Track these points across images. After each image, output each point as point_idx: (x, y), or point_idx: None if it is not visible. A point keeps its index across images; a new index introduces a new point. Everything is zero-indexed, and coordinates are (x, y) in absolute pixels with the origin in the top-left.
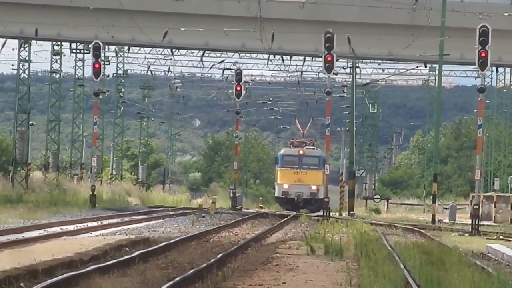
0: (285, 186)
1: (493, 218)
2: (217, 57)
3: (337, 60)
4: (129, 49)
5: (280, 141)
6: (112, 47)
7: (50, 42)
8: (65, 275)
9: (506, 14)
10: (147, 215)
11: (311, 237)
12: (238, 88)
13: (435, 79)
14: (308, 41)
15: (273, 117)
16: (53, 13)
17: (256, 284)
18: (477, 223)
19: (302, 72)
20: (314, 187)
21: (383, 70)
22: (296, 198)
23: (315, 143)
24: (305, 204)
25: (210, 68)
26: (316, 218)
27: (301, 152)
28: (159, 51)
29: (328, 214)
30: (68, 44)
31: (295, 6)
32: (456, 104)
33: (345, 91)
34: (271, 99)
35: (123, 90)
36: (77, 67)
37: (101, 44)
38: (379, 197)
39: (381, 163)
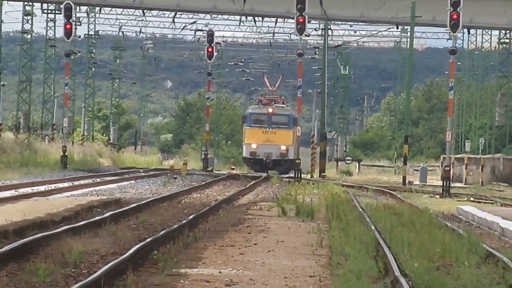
0: (253, 146)
1: (464, 180)
2: (188, 18)
3: (309, 22)
4: (100, 10)
5: (252, 103)
6: (84, 8)
7: (22, 2)
8: (36, 236)
9: None
10: (119, 176)
11: (283, 198)
12: (210, 49)
13: (407, 41)
14: (280, 3)
15: (244, 78)
16: None
17: (228, 245)
18: (448, 185)
19: (274, 33)
20: (283, 148)
21: (355, 32)
22: (264, 159)
23: (285, 101)
24: (274, 165)
25: (182, 29)
26: (287, 179)
27: (270, 110)
28: (130, 12)
29: (299, 175)
30: (39, 4)
31: None
32: (427, 66)
33: (317, 52)
34: (243, 60)
35: (94, 51)
36: (48, 28)
37: (73, 5)
38: (350, 159)
39: (353, 125)
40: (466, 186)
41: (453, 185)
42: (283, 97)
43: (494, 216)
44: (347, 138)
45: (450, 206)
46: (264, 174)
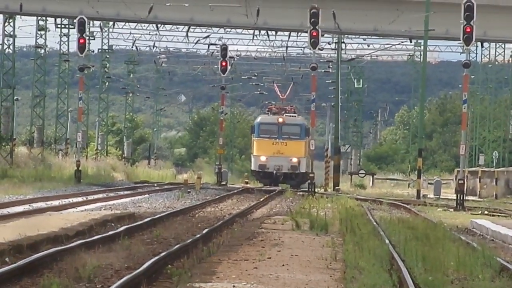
0: (263, 158)
1: (478, 193)
2: (202, 32)
3: (322, 35)
4: (114, 24)
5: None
6: (97, 22)
7: (35, 17)
8: (50, 250)
9: None
10: (132, 190)
11: (297, 212)
12: (224, 63)
13: (420, 54)
14: (293, 16)
15: (258, 92)
16: None
17: (242, 259)
18: (462, 198)
19: (287, 47)
20: (295, 160)
21: (369, 46)
22: (275, 172)
23: (296, 110)
24: (285, 179)
25: (196, 43)
26: (301, 193)
27: (280, 120)
28: (144, 26)
29: (313, 189)
30: (53, 19)
31: None
32: (441, 79)
33: (331, 66)
34: (256, 74)
35: (108, 65)
36: (62, 42)
37: (86, 19)
38: (364, 172)
39: (366, 139)
40: (480, 199)
41: (467, 199)
42: (294, 106)
43: (508, 230)
44: (361, 152)
45: (464, 219)
46: (278, 188)
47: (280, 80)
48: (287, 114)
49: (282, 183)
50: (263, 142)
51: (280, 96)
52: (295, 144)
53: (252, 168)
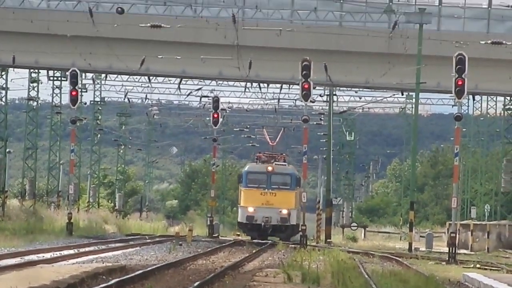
0: (250, 209)
1: (470, 247)
2: (194, 84)
3: (314, 88)
4: (106, 77)
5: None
6: (90, 75)
7: (28, 70)
8: None
9: (483, 42)
10: (124, 243)
11: (288, 264)
12: (215, 115)
13: (412, 107)
14: (285, 69)
15: (250, 144)
16: (30, 40)
17: None
18: (454, 251)
19: (279, 99)
20: (284, 211)
21: (360, 98)
22: (263, 224)
23: (286, 158)
24: (274, 232)
25: (188, 95)
26: (293, 246)
27: (269, 168)
28: (136, 78)
29: (305, 242)
30: (45, 71)
31: (272, 34)
32: (433, 132)
33: (322, 118)
34: (248, 126)
35: (100, 117)
36: (54, 95)
37: (78, 72)
38: (356, 225)
39: (358, 191)
40: (472, 252)
41: (459, 252)
42: (284, 154)
43: (500, 283)
44: (353, 204)
45: (456, 272)
46: (270, 241)
47: (271, 132)
48: (276, 163)
49: (271, 236)
50: (251, 192)
51: (270, 143)
52: (285, 195)
53: (239, 219)
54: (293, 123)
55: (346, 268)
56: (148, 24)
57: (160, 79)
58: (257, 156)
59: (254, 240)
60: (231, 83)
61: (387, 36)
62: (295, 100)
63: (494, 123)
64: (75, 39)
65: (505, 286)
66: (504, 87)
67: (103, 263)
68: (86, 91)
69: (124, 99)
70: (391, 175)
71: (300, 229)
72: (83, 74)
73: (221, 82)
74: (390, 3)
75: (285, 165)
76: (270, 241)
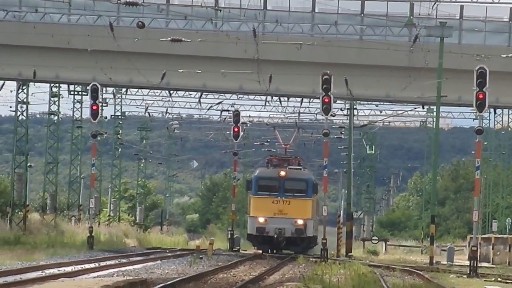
0: (261, 220)
1: (491, 260)
2: (215, 98)
3: (334, 102)
4: (127, 91)
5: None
6: (110, 89)
7: (48, 84)
8: None
9: (504, 56)
10: (145, 256)
11: (309, 278)
12: (236, 129)
13: (433, 121)
14: (306, 83)
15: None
16: (51, 55)
17: None
18: (475, 265)
19: (299, 113)
20: (300, 222)
21: (381, 112)
22: (275, 236)
23: (301, 162)
24: (288, 244)
25: (208, 109)
26: (314, 259)
27: (282, 173)
28: (157, 92)
29: (326, 255)
30: (66, 85)
31: (293, 47)
32: (454, 145)
33: (343, 132)
34: (268, 140)
35: (120, 131)
36: (75, 109)
37: (99, 86)
38: (377, 238)
39: (379, 205)
40: (493, 266)
41: (480, 265)
42: (299, 157)
43: None
44: (374, 218)
45: (477, 286)
46: (291, 254)
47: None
48: (290, 167)
49: (285, 249)
50: (262, 200)
51: (283, 145)
52: (300, 203)
53: (248, 231)
54: (313, 137)
55: (367, 282)
56: (169, 38)
57: (181, 93)
58: (268, 160)
59: (274, 254)
60: (251, 97)
61: (408, 50)
62: (316, 114)
63: None
64: (96, 53)
65: None
66: None
67: (124, 276)
68: (107, 105)
69: (144, 113)
70: (412, 189)
71: (317, 242)
72: (104, 89)
73: (241, 96)
74: (411, 17)
75: (300, 169)
76: (291, 254)
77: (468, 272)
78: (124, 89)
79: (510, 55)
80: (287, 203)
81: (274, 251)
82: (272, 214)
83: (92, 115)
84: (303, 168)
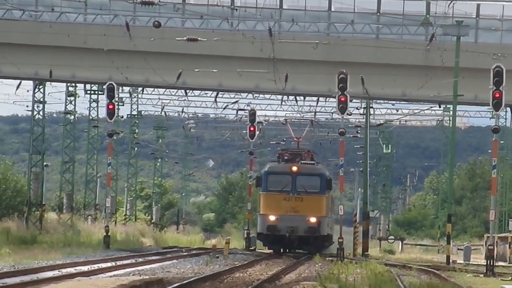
0: (272, 218)
1: (508, 259)
2: (230, 97)
3: (350, 101)
4: (143, 90)
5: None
6: (126, 88)
7: (65, 84)
8: None
9: None
10: (161, 255)
11: (325, 277)
12: (252, 128)
13: (449, 120)
14: (322, 82)
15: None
16: (67, 54)
17: None
18: (492, 264)
19: (315, 112)
20: (313, 220)
21: (397, 111)
22: (287, 235)
23: (314, 156)
24: (301, 244)
25: (224, 108)
26: (330, 258)
27: (294, 168)
28: (173, 92)
29: (342, 254)
30: (82, 85)
31: (309, 46)
32: (470, 144)
33: (359, 131)
34: (284, 139)
35: (137, 131)
36: (91, 108)
37: (115, 85)
38: (393, 237)
39: (395, 204)
40: (510, 265)
41: (497, 264)
42: (312, 152)
43: None
44: (390, 217)
45: (494, 285)
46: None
47: (308, 145)
48: (302, 162)
49: (298, 249)
50: (273, 197)
51: (295, 138)
52: (313, 200)
53: (259, 230)
54: (329, 136)
55: (383, 281)
56: (185, 38)
57: (197, 92)
58: (279, 154)
59: (290, 254)
60: (267, 96)
61: (424, 49)
62: (332, 113)
63: None
64: (112, 53)
65: None
66: None
67: (140, 276)
68: (123, 105)
69: (160, 113)
70: (429, 188)
71: (332, 241)
72: (120, 88)
73: (257, 95)
74: (427, 16)
75: (313, 164)
76: (306, 254)
77: (485, 271)
78: (140, 89)
79: None
80: (300, 200)
81: (287, 251)
82: (283, 211)
83: (108, 114)
84: (316, 162)
